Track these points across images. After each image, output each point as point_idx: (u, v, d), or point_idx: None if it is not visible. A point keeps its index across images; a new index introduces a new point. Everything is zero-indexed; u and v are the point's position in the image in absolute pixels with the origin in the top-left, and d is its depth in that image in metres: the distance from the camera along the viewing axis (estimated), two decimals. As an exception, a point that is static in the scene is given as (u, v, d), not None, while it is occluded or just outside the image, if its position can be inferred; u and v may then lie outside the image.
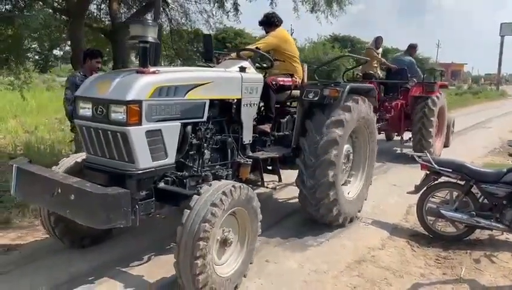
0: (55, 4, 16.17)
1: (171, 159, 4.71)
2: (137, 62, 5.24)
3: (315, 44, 45.97)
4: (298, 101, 6.22)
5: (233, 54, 6.31)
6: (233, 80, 5.45)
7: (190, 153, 5.07)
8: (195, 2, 17.58)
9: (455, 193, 6.24)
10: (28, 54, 17.76)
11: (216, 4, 17.34)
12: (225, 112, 5.54)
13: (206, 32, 20.27)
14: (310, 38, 50.21)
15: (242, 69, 5.57)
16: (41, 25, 16.65)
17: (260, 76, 5.90)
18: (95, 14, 16.95)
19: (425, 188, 6.40)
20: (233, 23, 18.03)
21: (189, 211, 4.06)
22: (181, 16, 17.90)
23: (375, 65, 12.65)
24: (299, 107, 6.15)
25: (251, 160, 5.67)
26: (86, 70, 7.33)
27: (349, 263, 5.51)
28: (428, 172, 6.32)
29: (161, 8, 16.82)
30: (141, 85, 4.31)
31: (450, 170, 6.12)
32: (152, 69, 4.53)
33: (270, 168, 6.41)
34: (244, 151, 5.77)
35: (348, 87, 6.00)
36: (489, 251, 5.92)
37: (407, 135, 11.76)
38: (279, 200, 7.79)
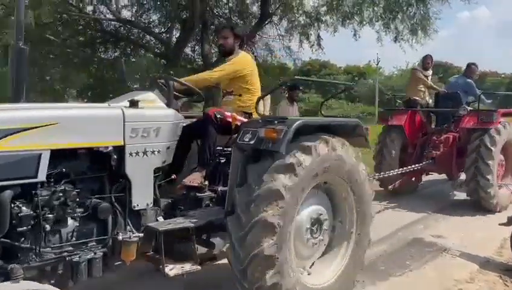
0: (156, 50, 15.58)
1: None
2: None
3: (403, 72, 41.07)
4: (233, 146, 3.58)
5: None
6: (105, 119, 3.33)
7: (18, 230, 2.89)
8: (279, 39, 15.84)
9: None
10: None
11: (300, 37, 15.58)
12: (100, 164, 3.39)
13: (291, 66, 18.45)
14: (398, 66, 45.23)
15: (133, 103, 3.13)
16: (145, 68, 15.99)
17: (166, 112, 3.72)
18: (189, 56, 16.03)
19: (518, 219, 5.21)
20: (314, 55, 16.02)
21: None
22: (266, 53, 16.20)
23: (422, 90, 9.34)
24: (235, 154, 3.69)
25: (138, 235, 3.16)
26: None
27: (435, 296, 4.78)
28: None
29: (246, 46, 15.47)
30: None
31: None
32: None
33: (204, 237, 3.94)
34: (136, 220, 3.51)
35: (295, 125, 3.56)
36: None
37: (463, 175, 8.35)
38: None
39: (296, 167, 3.48)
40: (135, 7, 15.33)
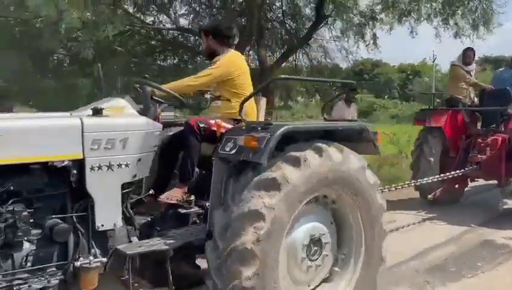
0: None
1: None
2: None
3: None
4: (214, 157, 3.00)
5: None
6: (59, 130, 2.84)
7: None
8: (334, 40, 15.12)
9: None
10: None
11: (355, 37, 14.80)
12: (58, 181, 2.91)
13: (344, 66, 17.54)
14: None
15: (96, 111, 2.67)
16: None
17: (135, 120, 3.21)
18: None
19: None
20: (370, 55, 15.08)
21: None
22: (321, 55, 15.48)
23: (465, 87, 8.08)
24: (216, 166, 3.11)
25: (100, 260, 2.65)
26: None
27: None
28: None
29: (302, 49, 15.02)
30: None
31: None
32: None
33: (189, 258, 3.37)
34: (102, 243, 3.04)
35: (279, 131, 2.94)
36: None
37: None
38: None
39: (281, 182, 2.87)
40: (191, 15, 15.24)
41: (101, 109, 2.98)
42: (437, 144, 7.43)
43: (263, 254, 2.82)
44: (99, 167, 2.91)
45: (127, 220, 3.17)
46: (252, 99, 3.80)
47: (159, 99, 3.52)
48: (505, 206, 7.19)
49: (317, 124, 3.47)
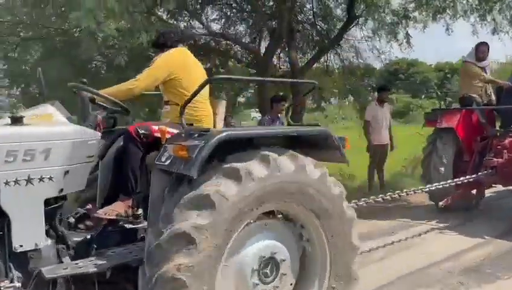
0: (246, 60, 15.26)
1: None
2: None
3: (503, 65, 34.81)
4: (152, 168, 2.55)
5: None
6: None
7: None
8: (366, 41, 14.42)
9: None
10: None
11: (388, 37, 14.05)
12: None
13: (377, 67, 16.71)
14: (497, 60, 38.22)
15: (16, 120, 2.33)
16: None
17: (61, 129, 2.82)
18: (275, 63, 15.21)
19: None
20: (404, 54, 14.29)
21: None
22: (353, 56, 14.82)
23: (479, 85, 7.19)
24: (154, 178, 2.66)
25: (13, 285, 2.30)
26: (273, 114, 7.03)
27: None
28: None
29: (333, 50, 14.49)
30: None
31: None
32: None
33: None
34: (22, 265, 2.65)
35: (215, 139, 2.51)
36: None
37: None
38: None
39: (216, 199, 2.41)
40: (223, 19, 14.96)
41: (21, 117, 2.61)
42: (449, 148, 6.69)
43: (194, 283, 2.36)
44: (16, 181, 2.54)
45: (59, 238, 2.79)
46: (207, 102, 3.34)
47: (105, 105, 3.13)
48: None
49: (263, 130, 2.96)
